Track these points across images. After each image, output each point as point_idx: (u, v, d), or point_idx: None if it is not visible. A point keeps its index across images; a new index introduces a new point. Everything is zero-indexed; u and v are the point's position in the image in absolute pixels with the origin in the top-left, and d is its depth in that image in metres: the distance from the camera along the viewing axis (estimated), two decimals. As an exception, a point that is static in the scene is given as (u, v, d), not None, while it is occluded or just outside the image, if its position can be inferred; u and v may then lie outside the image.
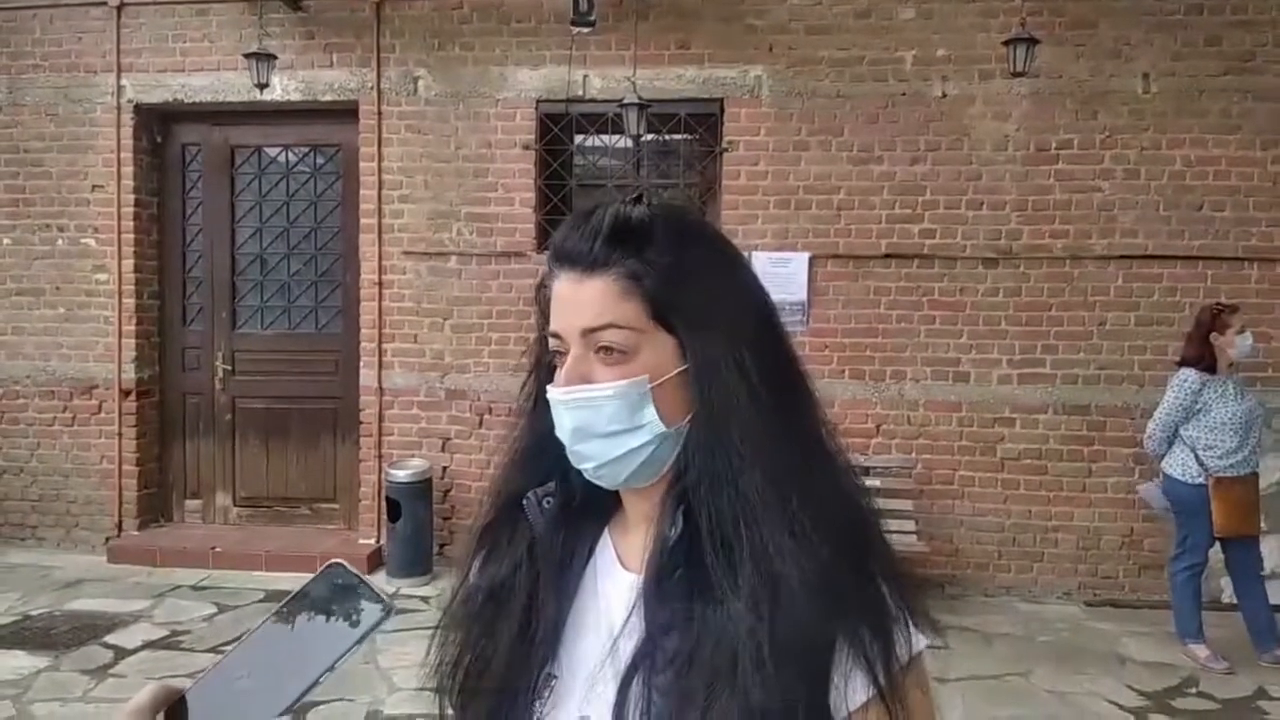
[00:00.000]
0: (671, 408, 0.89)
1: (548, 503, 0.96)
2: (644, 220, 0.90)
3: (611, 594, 0.94)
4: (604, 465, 0.91)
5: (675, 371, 0.89)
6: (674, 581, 0.86)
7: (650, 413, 0.89)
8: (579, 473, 0.95)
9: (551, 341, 0.93)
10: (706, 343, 0.88)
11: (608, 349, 0.88)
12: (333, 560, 0.83)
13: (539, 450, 0.98)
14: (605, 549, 0.99)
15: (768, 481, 0.84)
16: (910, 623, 0.85)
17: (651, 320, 0.88)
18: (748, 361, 0.87)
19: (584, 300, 0.89)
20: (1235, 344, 4.45)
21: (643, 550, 0.91)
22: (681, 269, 0.89)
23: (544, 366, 0.98)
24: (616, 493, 0.98)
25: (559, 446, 0.94)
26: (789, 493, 0.84)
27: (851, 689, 0.82)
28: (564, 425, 0.91)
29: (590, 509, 0.98)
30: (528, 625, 0.94)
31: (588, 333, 0.89)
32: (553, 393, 0.92)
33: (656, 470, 0.92)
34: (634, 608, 0.88)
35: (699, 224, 0.97)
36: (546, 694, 0.91)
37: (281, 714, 0.77)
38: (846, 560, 0.84)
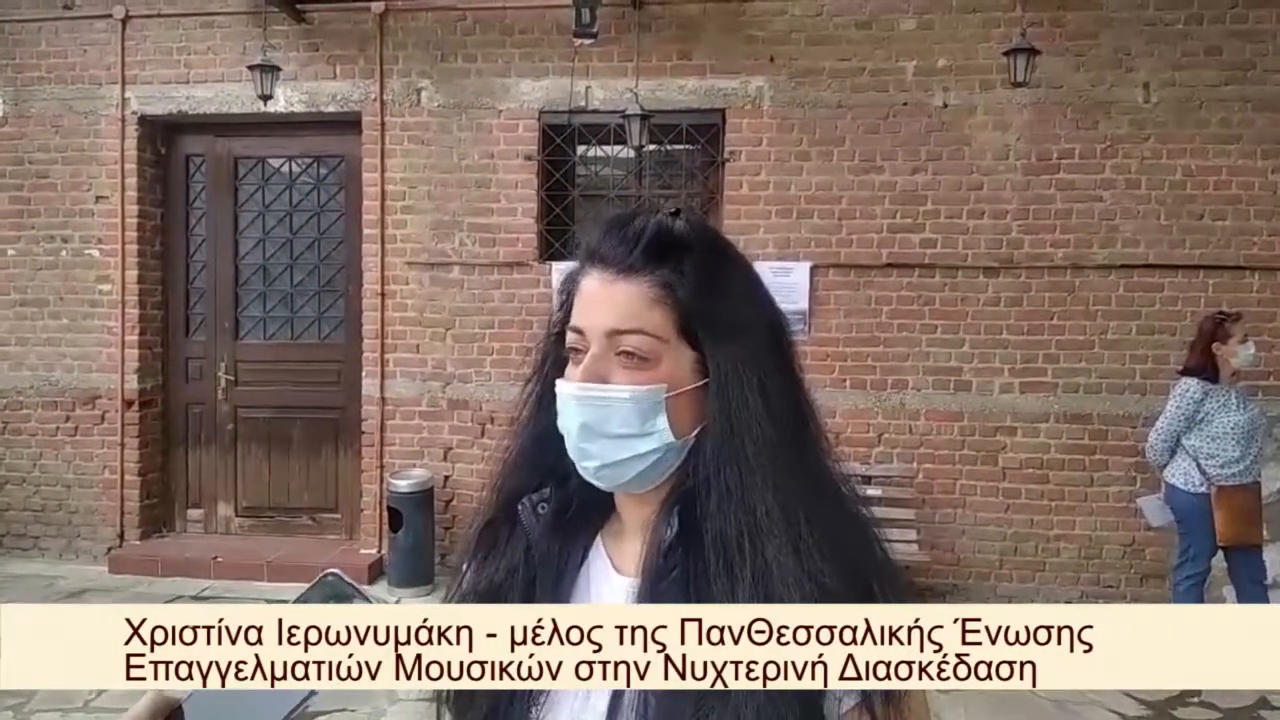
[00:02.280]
0: (682, 419, 0.90)
1: (542, 509, 0.97)
2: (684, 234, 0.92)
3: (606, 599, 0.95)
4: (606, 466, 0.92)
5: (692, 385, 0.90)
6: (669, 584, 0.87)
7: (661, 421, 0.90)
8: (576, 476, 0.95)
9: (571, 337, 0.93)
10: (730, 360, 0.89)
11: (629, 354, 0.89)
12: (328, 570, 0.83)
13: (539, 449, 0.99)
14: (599, 554, 0.99)
15: (777, 500, 0.85)
16: None
17: (677, 331, 0.90)
18: (767, 381, 0.89)
19: (615, 301, 0.90)
20: (1238, 353, 4.44)
21: (637, 555, 0.92)
22: (713, 286, 0.90)
23: (553, 363, 0.98)
24: (610, 499, 0.98)
25: (559, 447, 0.94)
26: (796, 512, 0.85)
27: (845, 702, 0.83)
28: (572, 420, 0.92)
29: (584, 515, 0.99)
30: None
31: (613, 334, 0.90)
32: (566, 386, 0.93)
33: (656, 478, 0.93)
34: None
35: (727, 244, 0.98)
36: (542, 700, 0.91)
37: None
38: (847, 580, 0.84)
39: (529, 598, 0.95)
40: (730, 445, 0.87)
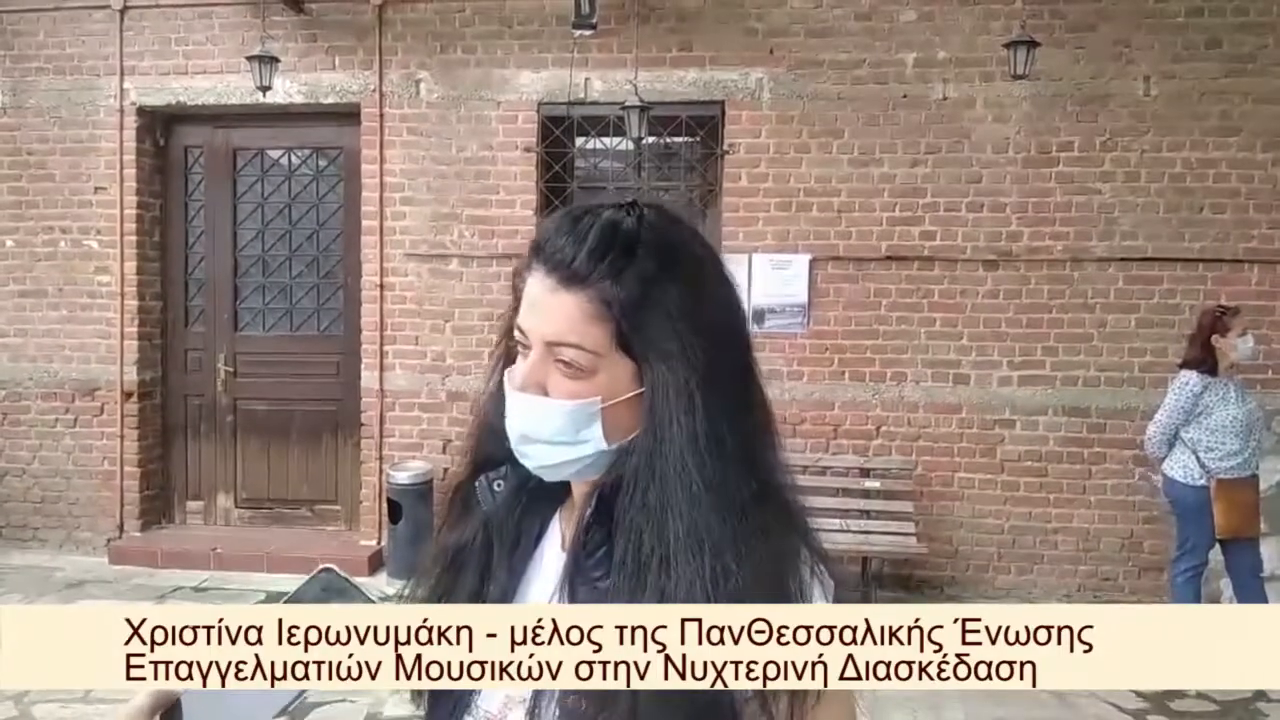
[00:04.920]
0: (619, 425, 0.91)
1: (498, 486, 0.99)
2: (631, 237, 0.89)
3: (552, 574, 0.96)
4: (543, 467, 0.94)
5: (629, 395, 0.90)
6: (594, 563, 0.89)
7: (595, 430, 0.91)
8: None
9: (516, 333, 0.94)
10: (663, 380, 0.88)
11: (567, 363, 0.89)
12: (324, 564, 0.84)
13: (502, 424, 1.00)
14: (553, 530, 1.02)
15: (689, 530, 0.85)
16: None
17: (614, 345, 0.89)
18: (702, 405, 0.87)
19: (554, 312, 0.89)
20: (1237, 346, 4.44)
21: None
22: (653, 302, 0.88)
23: (513, 341, 0.99)
24: None
25: None
26: (704, 546, 0.84)
27: (751, 702, 0.83)
28: (512, 423, 0.94)
29: (545, 490, 1.00)
30: (480, 594, 0.98)
31: (551, 344, 0.90)
32: (507, 388, 0.95)
33: (595, 474, 0.94)
34: (560, 588, 0.91)
35: (685, 241, 0.94)
36: (474, 701, 0.94)
37: (276, 716, 0.78)
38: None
39: (487, 563, 0.99)
40: (653, 464, 0.87)
